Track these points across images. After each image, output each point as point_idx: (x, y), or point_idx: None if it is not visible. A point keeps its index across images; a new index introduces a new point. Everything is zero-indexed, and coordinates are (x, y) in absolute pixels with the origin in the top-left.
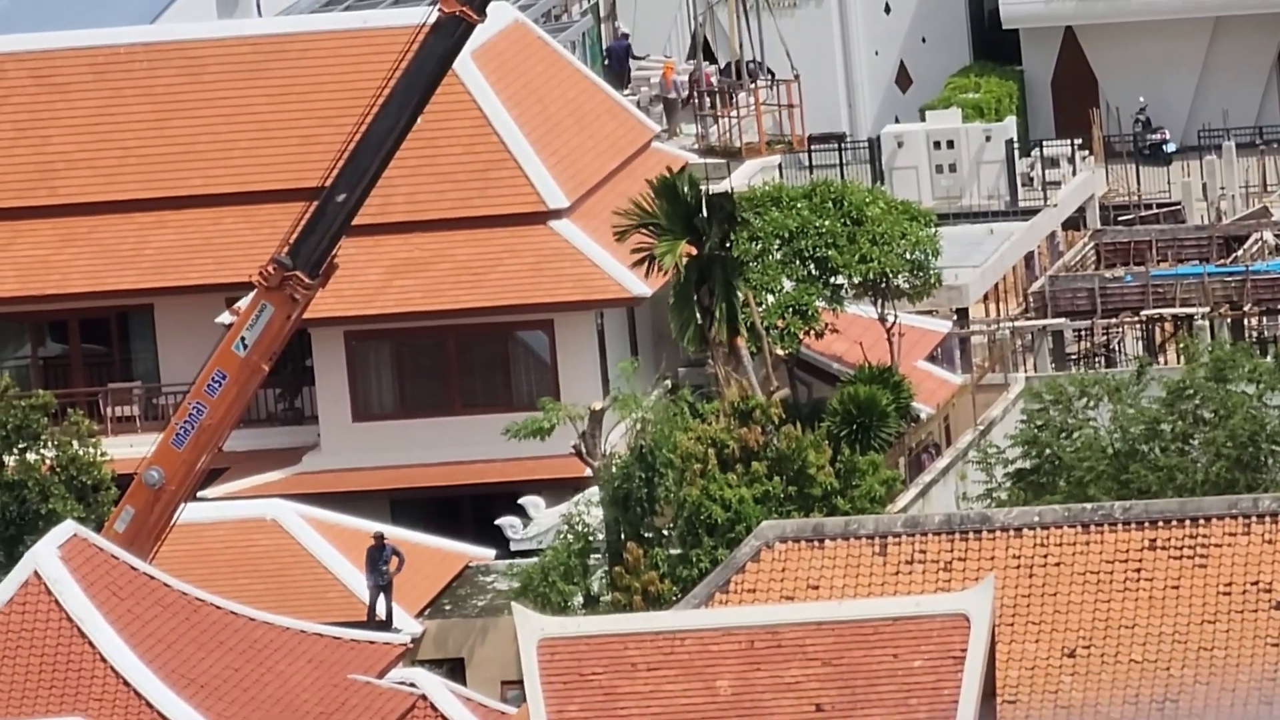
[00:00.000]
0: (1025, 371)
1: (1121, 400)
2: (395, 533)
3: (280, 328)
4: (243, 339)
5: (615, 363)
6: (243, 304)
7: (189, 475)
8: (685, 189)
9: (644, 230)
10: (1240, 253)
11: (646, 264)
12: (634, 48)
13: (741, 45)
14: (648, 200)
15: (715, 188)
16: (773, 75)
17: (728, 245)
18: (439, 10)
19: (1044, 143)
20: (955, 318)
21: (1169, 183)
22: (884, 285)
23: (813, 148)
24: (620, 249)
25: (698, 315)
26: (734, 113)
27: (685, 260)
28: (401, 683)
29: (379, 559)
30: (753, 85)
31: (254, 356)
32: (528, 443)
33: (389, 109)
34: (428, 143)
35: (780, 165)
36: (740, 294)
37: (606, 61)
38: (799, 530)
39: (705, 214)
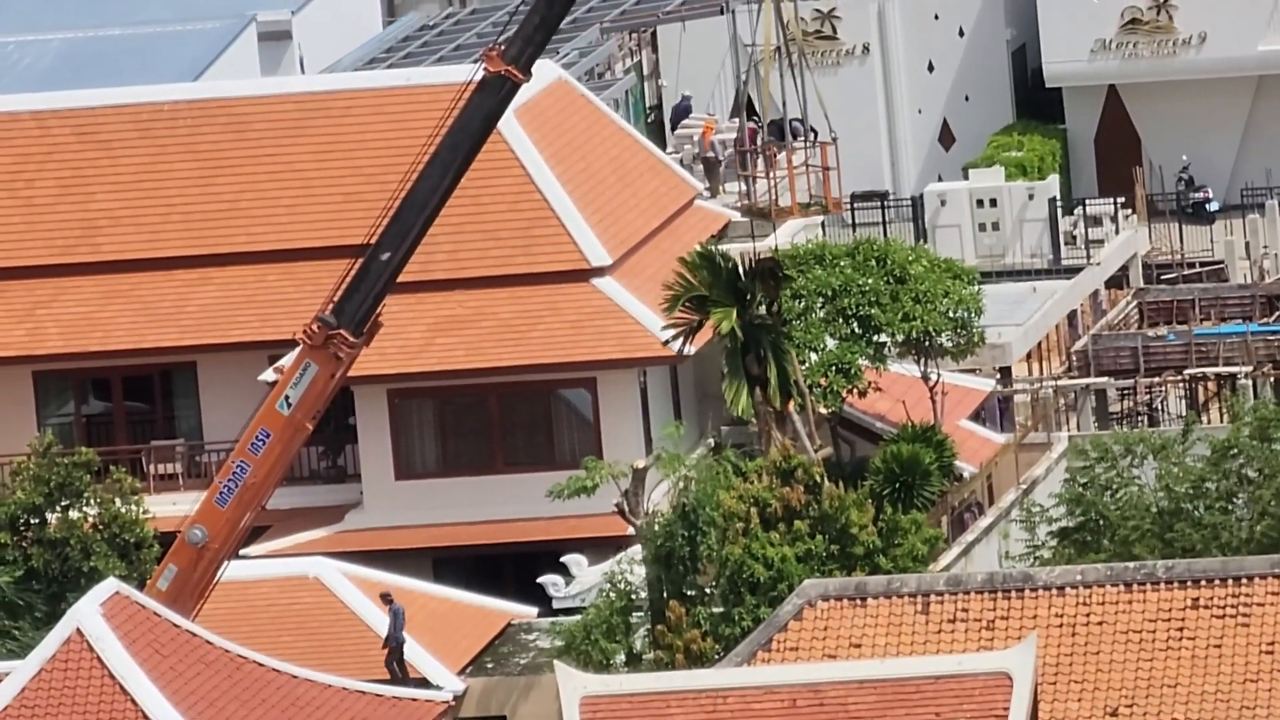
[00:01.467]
0: (1068, 430)
1: (1166, 458)
2: (438, 590)
3: (324, 387)
4: (287, 398)
5: (658, 421)
6: (286, 361)
7: (232, 534)
8: (721, 259)
9: (686, 306)
10: None
11: (684, 337)
12: (679, 107)
13: (785, 103)
14: (690, 271)
15: (755, 247)
16: (815, 134)
17: (776, 309)
18: (484, 69)
19: (1087, 201)
20: (998, 376)
21: (1212, 241)
22: (927, 344)
23: (855, 205)
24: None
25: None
26: (775, 173)
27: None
28: None
29: (390, 620)
30: (792, 144)
31: (298, 415)
32: (570, 501)
33: (434, 168)
34: (471, 200)
35: (823, 223)
36: (789, 366)
37: (651, 119)
38: (841, 589)
39: (748, 280)
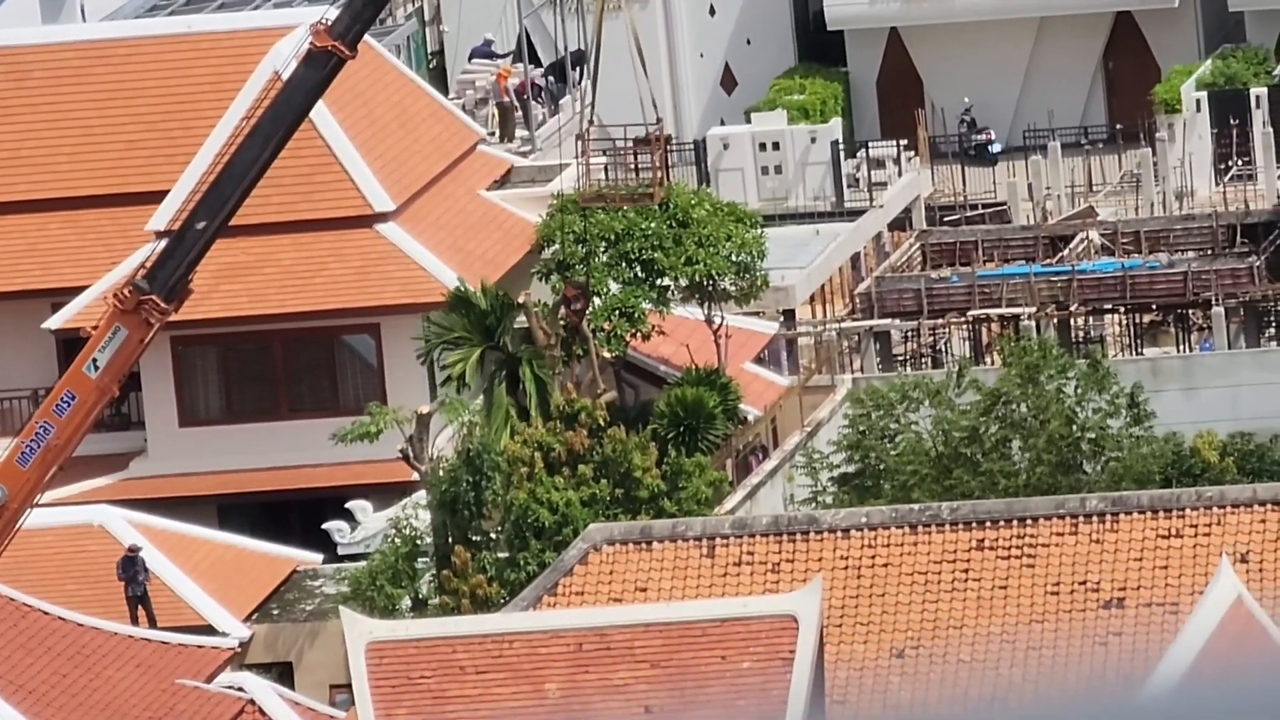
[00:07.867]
0: (852, 373)
1: (942, 403)
2: (223, 537)
3: (133, 351)
4: (94, 360)
5: (441, 367)
6: (73, 306)
7: (33, 493)
8: (475, 297)
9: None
10: (1066, 252)
11: (458, 381)
12: (460, 51)
13: (587, 49)
14: (445, 313)
15: (537, 191)
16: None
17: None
18: (311, 43)
19: (869, 144)
20: (782, 319)
21: (994, 183)
22: (710, 287)
23: (638, 150)
24: (447, 252)
25: (512, 413)
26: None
27: (492, 368)
28: (230, 687)
29: (134, 570)
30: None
31: (105, 378)
32: (355, 447)
33: (254, 139)
34: None
35: (605, 167)
36: (550, 386)
37: (432, 64)
38: (627, 533)
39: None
